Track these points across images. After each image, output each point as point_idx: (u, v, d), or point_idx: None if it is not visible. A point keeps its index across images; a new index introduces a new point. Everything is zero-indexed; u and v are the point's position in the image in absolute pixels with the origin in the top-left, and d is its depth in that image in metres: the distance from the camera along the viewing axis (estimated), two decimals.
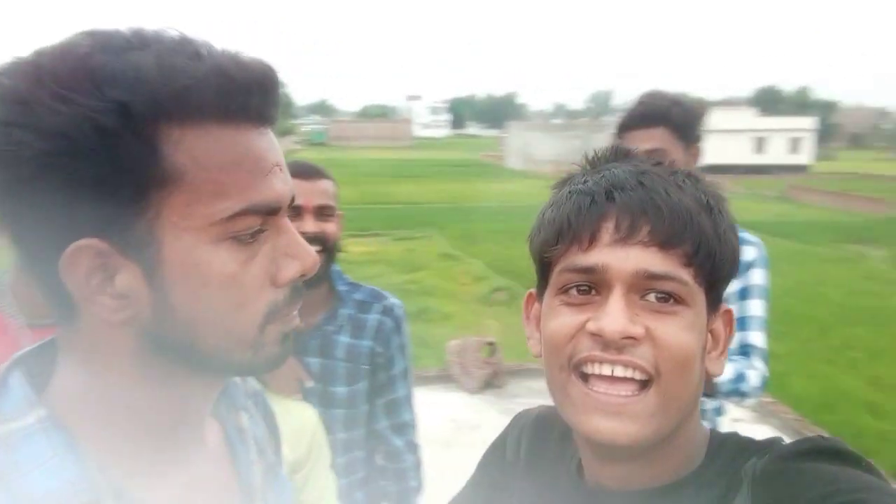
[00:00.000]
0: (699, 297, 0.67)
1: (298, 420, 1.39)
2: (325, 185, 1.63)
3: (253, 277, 0.57)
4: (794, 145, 41.32)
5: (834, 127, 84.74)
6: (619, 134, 1.99)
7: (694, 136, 1.96)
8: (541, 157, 39.20)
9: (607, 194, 0.67)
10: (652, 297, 0.65)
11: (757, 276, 1.93)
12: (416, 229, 15.22)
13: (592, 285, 0.67)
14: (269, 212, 0.58)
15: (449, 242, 13.58)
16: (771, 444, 0.66)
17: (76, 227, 0.51)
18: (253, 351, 0.59)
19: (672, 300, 0.65)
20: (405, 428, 1.77)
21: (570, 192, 0.70)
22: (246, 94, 0.55)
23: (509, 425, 0.93)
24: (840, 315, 8.34)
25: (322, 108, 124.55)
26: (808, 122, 44.04)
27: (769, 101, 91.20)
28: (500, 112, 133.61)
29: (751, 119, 43.96)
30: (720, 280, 0.68)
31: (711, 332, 0.70)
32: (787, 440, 0.66)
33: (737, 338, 1.81)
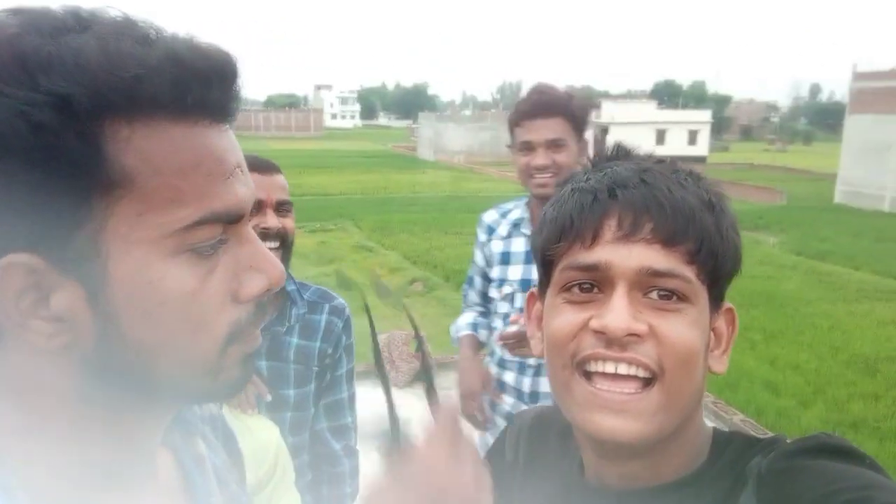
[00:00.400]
0: (702, 294, 0.66)
1: (260, 439, 1.33)
2: (281, 179, 1.61)
3: (213, 294, 0.50)
4: (692, 137, 43.27)
5: (728, 120, 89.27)
6: (517, 122, 2.04)
7: (585, 128, 2.07)
8: (452, 147, 39.45)
9: (609, 191, 0.66)
10: (655, 294, 0.65)
11: None
12: (330, 221, 15.02)
13: (595, 283, 0.66)
14: (231, 220, 0.50)
15: (363, 234, 13.46)
16: (775, 441, 0.66)
17: (4, 240, 0.44)
18: (212, 376, 0.52)
19: (675, 297, 0.65)
20: (345, 431, 1.73)
21: (572, 190, 0.69)
22: (204, 86, 0.47)
23: (507, 427, 0.93)
24: (738, 299, 8.76)
25: None
26: (704, 115, 46.21)
27: (668, 95, 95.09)
28: (410, 103, 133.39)
29: (652, 112, 45.72)
30: (722, 277, 0.68)
31: (714, 329, 0.70)
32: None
33: None
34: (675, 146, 41.30)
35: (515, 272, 2.18)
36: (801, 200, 21.27)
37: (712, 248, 0.65)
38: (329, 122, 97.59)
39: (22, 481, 0.48)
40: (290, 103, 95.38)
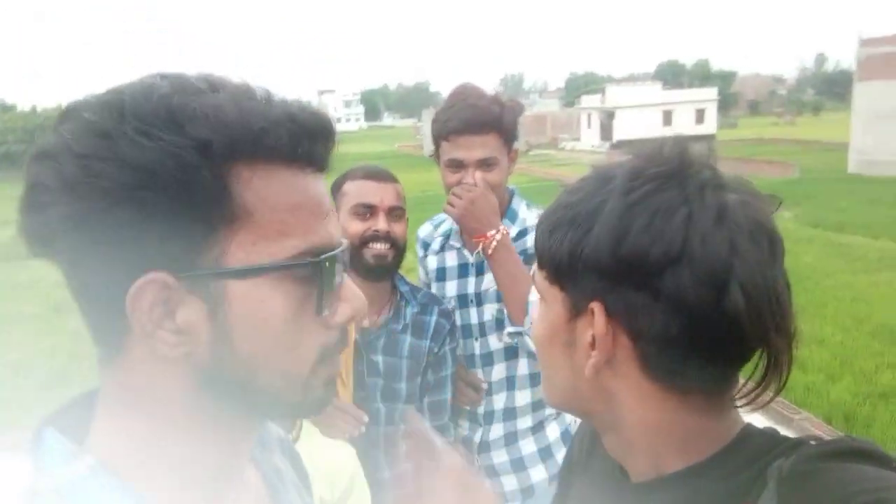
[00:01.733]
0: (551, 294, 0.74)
1: (336, 459, 1.46)
2: (397, 187, 1.79)
3: (309, 318, 0.58)
4: (699, 116, 42.93)
5: (733, 96, 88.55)
6: (445, 136, 1.85)
7: (515, 139, 1.91)
8: None
9: None
10: None
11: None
12: None
13: None
14: (325, 253, 0.59)
15: None
16: (799, 444, 0.65)
17: (145, 259, 0.52)
18: (303, 392, 0.60)
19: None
20: (444, 430, 1.85)
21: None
22: (312, 140, 0.57)
23: (580, 426, 0.96)
24: None
25: None
26: (709, 93, 45.83)
27: (672, 75, 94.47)
28: (414, 101, 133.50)
29: (657, 93, 45.46)
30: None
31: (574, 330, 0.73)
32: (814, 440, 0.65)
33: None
34: (683, 126, 41.00)
35: (451, 288, 2.03)
36: (813, 172, 21.03)
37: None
38: (334, 126, 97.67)
39: (143, 486, 0.56)
40: None
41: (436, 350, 1.82)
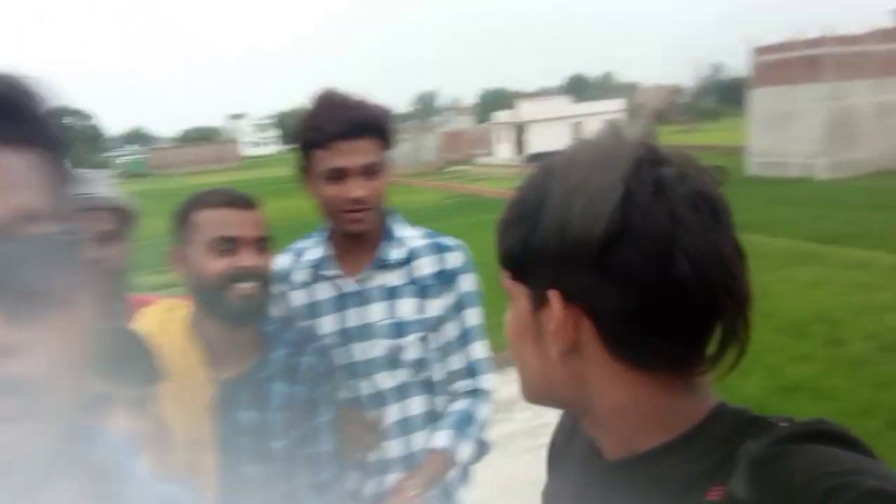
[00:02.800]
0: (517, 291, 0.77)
1: None
2: (259, 214, 1.54)
3: None
4: None
5: (639, 106, 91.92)
6: (320, 144, 1.62)
7: (392, 147, 1.75)
8: None
9: None
10: None
11: (466, 283, 1.80)
12: None
13: None
14: None
15: None
16: (770, 425, 0.66)
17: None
18: None
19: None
20: (326, 488, 1.60)
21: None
22: None
23: (561, 415, 0.98)
24: None
25: (138, 137, 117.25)
26: (616, 105, 47.42)
27: (579, 88, 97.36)
28: None
29: (566, 106, 46.64)
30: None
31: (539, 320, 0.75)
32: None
33: (462, 355, 1.81)
34: None
35: (328, 324, 1.76)
36: None
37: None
38: (248, 150, 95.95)
39: None
40: (203, 136, 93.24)
41: (310, 396, 1.58)
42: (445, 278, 1.78)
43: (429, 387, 1.79)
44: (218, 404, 1.47)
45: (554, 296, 0.69)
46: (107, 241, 1.63)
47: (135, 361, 1.26)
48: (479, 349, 1.82)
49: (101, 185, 1.70)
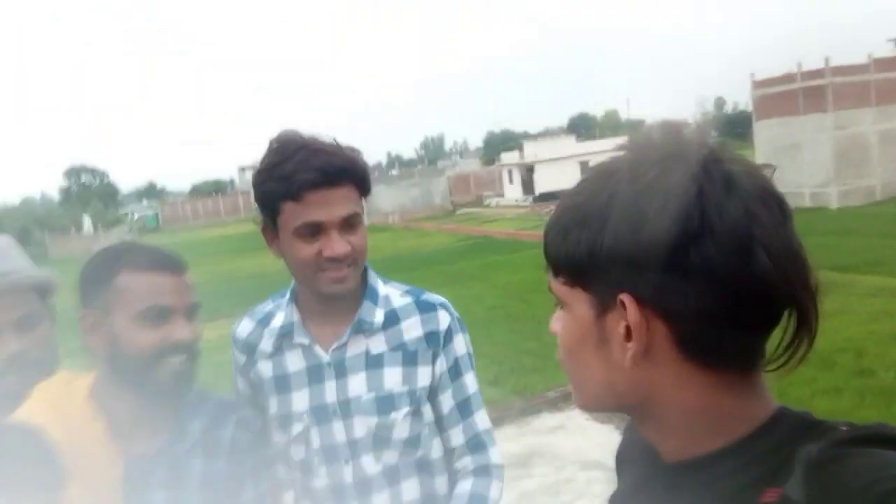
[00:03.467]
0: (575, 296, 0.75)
1: None
2: (188, 277, 1.37)
3: None
4: None
5: None
6: (294, 195, 1.37)
7: (367, 195, 1.51)
8: (385, 208, 39.61)
9: None
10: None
11: (460, 346, 1.58)
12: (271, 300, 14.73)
13: None
14: None
15: None
16: (831, 428, 0.66)
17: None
18: None
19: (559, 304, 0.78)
20: None
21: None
22: None
23: (626, 427, 0.99)
24: None
25: (151, 192, 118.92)
26: (622, 142, 47.62)
27: (584, 127, 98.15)
28: None
29: (572, 146, 46.98)
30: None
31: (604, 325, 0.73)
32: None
33: (463, 428, 1.57)
34: None
35: (301, 400, 1.51)
36: None
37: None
38: None
39: None
40: (215, 189, 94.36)
41: (233, 473, 1.39)
42: (434, 342, 1.54)
43: (425, 467, 1.54)
44: (128, 485, 1.27)
45: (628, 299, 0.68)
46: (22, 328, 1.41)
47: (28, 464, 1.14)
48: (483, 419, 1.59)
49: (9, 257, 1.46)
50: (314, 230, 1.40)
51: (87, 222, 56.33)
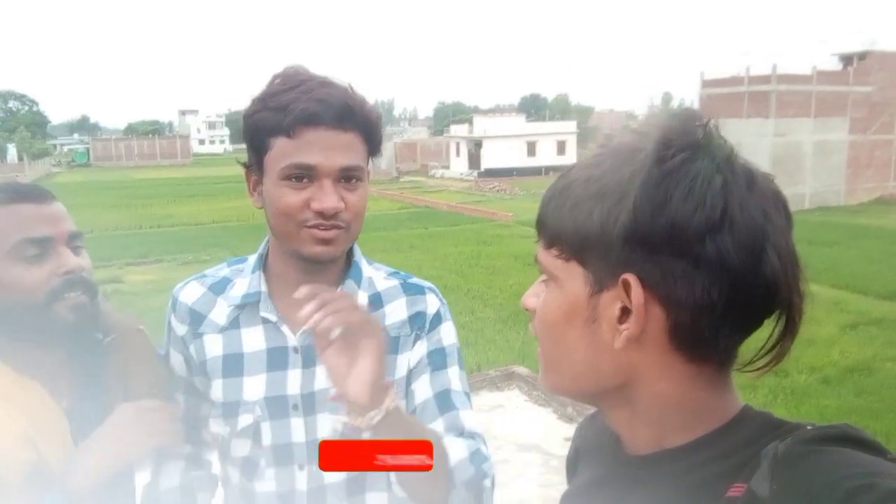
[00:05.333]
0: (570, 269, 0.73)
1: None
2: (61, 207, 1.21)
3: None
4: (561, 147, 44.96)
5: (591, 130, 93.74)
6: (286, 132, 1.16)
7: (375, 155, 1.29)
8: None
9: None
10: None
11: (448, 334, 1.36)
12: (203, 251, 14.34)
13: None
14: None
15: None
16: (796, 427, 0.66)
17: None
18: None
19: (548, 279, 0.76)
20: None
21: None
22: None
23: (579, 424, 0.97)
24: None
25: (84, 126, 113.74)
26: (570, 126, 48.24)
27: (534, 108, 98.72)
28: None
29: (521, 125, 47.25)
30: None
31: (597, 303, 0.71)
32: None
33: (443, 420, 1.27)
34: (546, 157, 42.85)
35: (254, 387, 1.26)
36: None
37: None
38: (197, 147, 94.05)
39: None
40: (153, 130, 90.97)
41: None
42: (420, 324, 1.33)
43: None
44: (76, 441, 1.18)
45: (633, 280, 0.66)
46: None
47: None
48: (469, 419, 1.30)
49: None
50: (306, 175, 1.17)
51: (11, 151, 53.65)
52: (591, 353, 0.72)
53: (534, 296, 0.78)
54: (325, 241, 1.19)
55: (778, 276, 0.65)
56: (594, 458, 0.86)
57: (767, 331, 0.70)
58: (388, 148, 45.24)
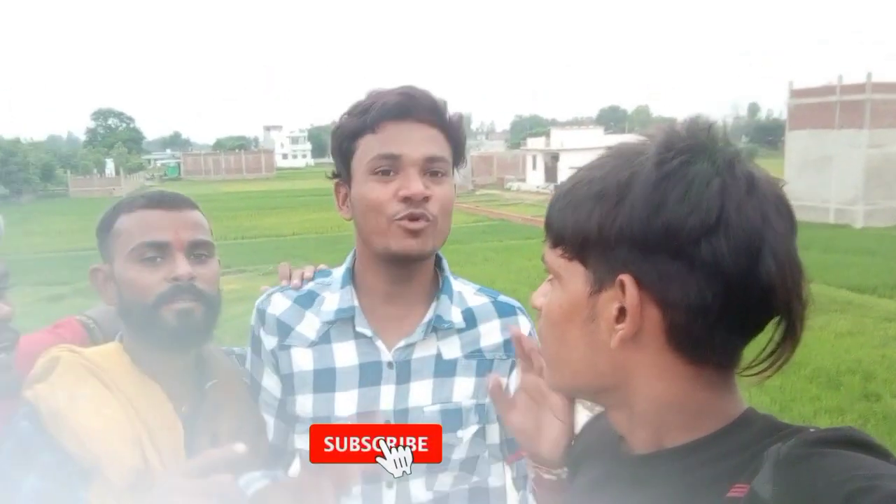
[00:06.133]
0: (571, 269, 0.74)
1: None
2: (196, 215, 1.24)
3: None
4: None
5: None
6: (371, 128, 1.20)
7: (460, 163, 1.29)
8: None
9: None
10: None
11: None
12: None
13: None
14: None
15: None
16: (799, 430, 0.66)
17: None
18: None
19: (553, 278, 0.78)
20: None
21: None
22: None
23: (587, 422, 0.98)
24: None
25: (175, 142, 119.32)
26: (649, 130, 47.17)
27: (613, 120, 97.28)
28: None
29: (600, 137, 46.55)
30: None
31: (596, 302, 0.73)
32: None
33: None
34: None
35: (346, 403, 1.25)
36: None
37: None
38: (280, 162, 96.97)
39: None
40: (239, 145, 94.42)
41: None
42: (513, 351, 1.23)
43: (479, 498, 1.30)
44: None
45: (629, 280, 0.67)
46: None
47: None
48: None
49: None
50: (391, 165, 1.19)
51: (109, 165, 56.69)
52: (590, 351, 0.73)
53: (541, 295, 0.79)
54: (414, 234, 1.18)
55: (774, 280, 0.64)
56: (596, 458, 0.87)
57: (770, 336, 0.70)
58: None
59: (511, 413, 0.96)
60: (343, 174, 1.26)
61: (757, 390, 6.16)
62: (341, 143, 1.24)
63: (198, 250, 1.21)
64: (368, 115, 1.19)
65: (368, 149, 1.20)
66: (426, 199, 1.18)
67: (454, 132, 1.25)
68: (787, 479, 0.60)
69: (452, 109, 1.28)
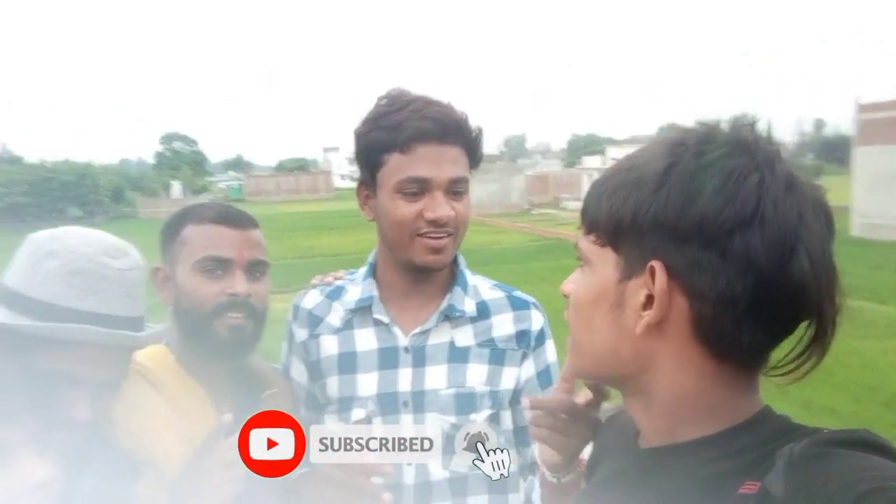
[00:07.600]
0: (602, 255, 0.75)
1: None
2: (257, 235, 1.32)
3: None
4: None
5: None
6: (400, 148, 1.25)
7: (477, 165, 1.37)
8: None
9: None
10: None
11: (551, 351, 1.45)
12: None
13: None
14: None
15: None
16: (814, 430, 0.67)
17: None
18: None
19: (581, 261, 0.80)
20: None
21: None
22: None
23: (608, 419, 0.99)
24: None
25: (238, 164, 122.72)
26: (693, 125, 46.32)
27: None
28: None
29: None
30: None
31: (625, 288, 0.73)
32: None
33: None
34: None
35: (368, 384, 1.35)
36: None
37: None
38: (338, 182, 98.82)
39: None
40: (299, 167, 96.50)
41: None
42: (525, 342, 1.41)
43: (496, 483, 1.28)
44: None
45: (659, 267, 0.67)
46: None
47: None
48: None
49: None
50: (419, 187, 1.27)
51: (175, 187, 58.67)
52: (614, 337, 0.73)
53: (571, 282, 0.81)
54: (437, 250, 1.30)
55: (808, 279, 0.64)
56: (612, 454, 0.88)
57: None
58: (519, 180, 45.45)
59: (541, 433, 1.01)
60: (368, 182, 1.35)
61: (828, 415, 5.93)
62: (368, 154, 1.32)
63: (255, 269, 1.30)
64: (400, 135, 1.26)
65: (397, 168, 1.28)
66: (450, 219, 1.30)
67: (474, 147, 1.34)
68: (799, 478, 0.60)
69: (477, 123, 1.35)
